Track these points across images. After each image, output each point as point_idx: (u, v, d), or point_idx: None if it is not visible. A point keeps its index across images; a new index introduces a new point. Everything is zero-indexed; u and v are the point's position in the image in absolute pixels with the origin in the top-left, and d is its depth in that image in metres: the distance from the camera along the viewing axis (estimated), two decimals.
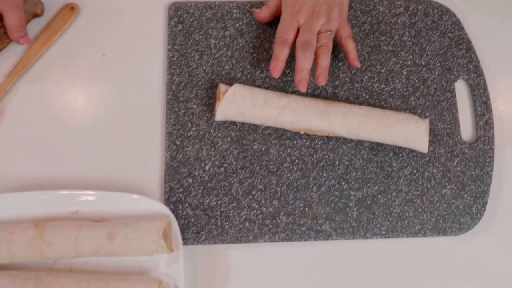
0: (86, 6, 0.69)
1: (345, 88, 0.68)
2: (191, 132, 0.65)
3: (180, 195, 0.63)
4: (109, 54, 0.68)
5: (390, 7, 0.72)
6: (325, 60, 0.62)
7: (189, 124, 0.65)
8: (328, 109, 0.63)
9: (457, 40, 0.71)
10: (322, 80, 0.62)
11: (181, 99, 0.66)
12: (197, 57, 0.68)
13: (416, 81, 0.69)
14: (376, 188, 0.65)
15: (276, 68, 0.62)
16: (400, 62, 0.70)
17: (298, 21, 0.63)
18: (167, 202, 0.62)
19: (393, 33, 0.71)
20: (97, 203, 0.60)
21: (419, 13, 0.72)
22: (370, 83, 0.68)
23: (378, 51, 0.70)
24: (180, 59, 0.67)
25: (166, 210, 0.60)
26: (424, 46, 0.70)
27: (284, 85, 0.67)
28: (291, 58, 0.63)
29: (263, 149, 0.65)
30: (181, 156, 0.64)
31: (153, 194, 0.63)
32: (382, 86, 0.68)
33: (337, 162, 0.65)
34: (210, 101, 0.66)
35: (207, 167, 0.64)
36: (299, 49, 0.61)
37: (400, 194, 0.65)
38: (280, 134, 0.65)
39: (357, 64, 0.65)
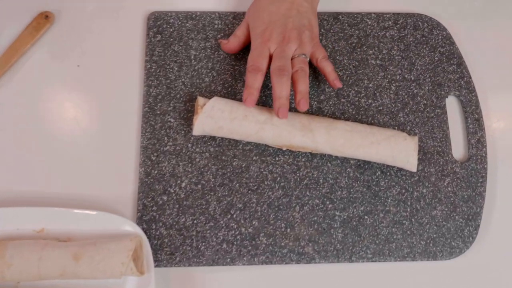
0: (61, 14, 0.67)
1: (330, 103, 0.65)
2: (168, 147, 0.62)
3: (154, 214, 0.59)
4: (84, 65, 0.65)
5: (378, 20, 0.69)
6: (303, 85, 0.59)
7: (165, 138, 0.62)
8: (312, 125, 0.60)
9: (448, 54, 0.68)
10: (303, 106, 0.59)
11: (158, 112, 0.63)
12: (176, 68, 0.65)
13: (405, 96, 0.66)
14: (362, 208, 0.61)
15: (250, 97, 0.58)
16: (389, 76, 0.67)
17: (269, 48, 0.60)
18: (140, 221, 0.59)
19: (381, 47, 0.68)
20: (64, 221, 0.57)
21: (408, 27, 0.69)
22: (357, 98, 0.66)
23: (366, 65, 0.67)
24: (158, 71, 0.65)
25: (137, 230, 0.57)
26: (413, 60, 0.68)
27: (266, 98, 0.64)
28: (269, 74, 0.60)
29: (243, 165, 0.62)
30: (156, 172, 0.61)
31: (125, 212, 0.60)
32: (370, 101, 0.66)
33: (321, 181, 0.62)
34: (188, 115, 0.63)
35: (183, 184, 0.60)
36: (274, 76, 0.58)
37: (387, 215, 0.61)
38: (262, 150, 0.62)
39: (338, 84, 0.63)
